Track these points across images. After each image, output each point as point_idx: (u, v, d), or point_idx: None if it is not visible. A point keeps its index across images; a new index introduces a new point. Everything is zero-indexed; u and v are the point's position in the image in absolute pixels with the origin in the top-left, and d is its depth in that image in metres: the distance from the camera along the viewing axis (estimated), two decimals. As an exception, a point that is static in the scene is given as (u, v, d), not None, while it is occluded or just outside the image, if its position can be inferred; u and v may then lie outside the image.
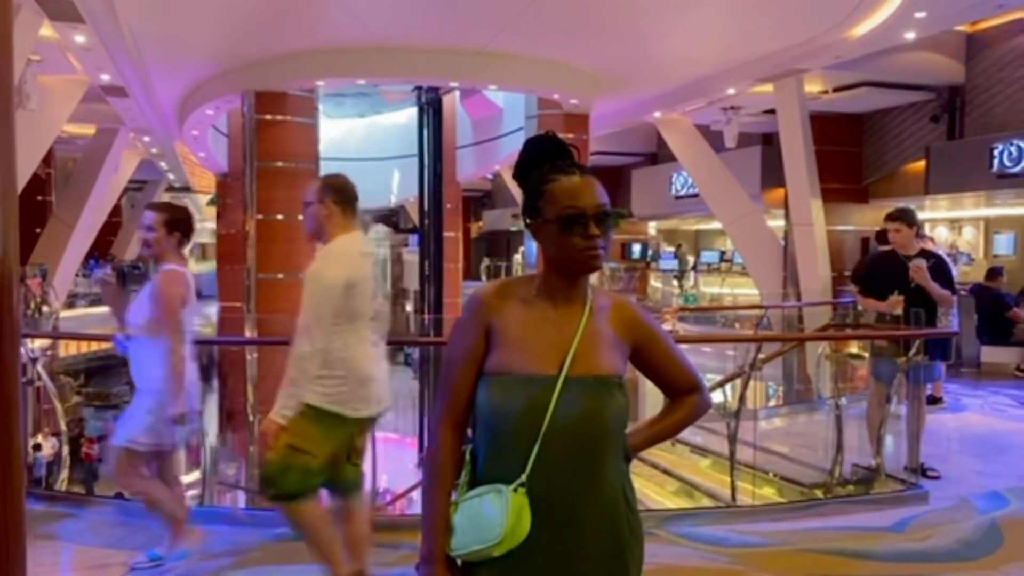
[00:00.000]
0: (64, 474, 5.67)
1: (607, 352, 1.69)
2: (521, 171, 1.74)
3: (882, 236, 7.07)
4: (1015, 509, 4.75)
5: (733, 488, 5.11)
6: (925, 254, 5.53)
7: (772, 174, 13.85)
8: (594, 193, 1.66)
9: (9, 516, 1.67)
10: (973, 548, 4.14)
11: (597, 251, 1.64)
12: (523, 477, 1.59)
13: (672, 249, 21.44)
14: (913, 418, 5.40)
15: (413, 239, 25.92)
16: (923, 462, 5.36)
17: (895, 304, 5.36)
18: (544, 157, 1.72)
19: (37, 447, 9.17)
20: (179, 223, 3.83)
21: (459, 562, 1.67)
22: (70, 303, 16.51)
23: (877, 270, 5.75)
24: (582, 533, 1.63)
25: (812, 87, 11.86)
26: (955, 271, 7.56)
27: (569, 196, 1.65)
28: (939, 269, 5.44)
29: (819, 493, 5.37)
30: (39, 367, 5.47)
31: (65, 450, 5.89)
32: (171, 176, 21.64)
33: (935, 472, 5.39)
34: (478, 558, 1.62)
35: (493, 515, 1.58)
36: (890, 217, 5.61)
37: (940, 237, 14.36)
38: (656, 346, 1.81)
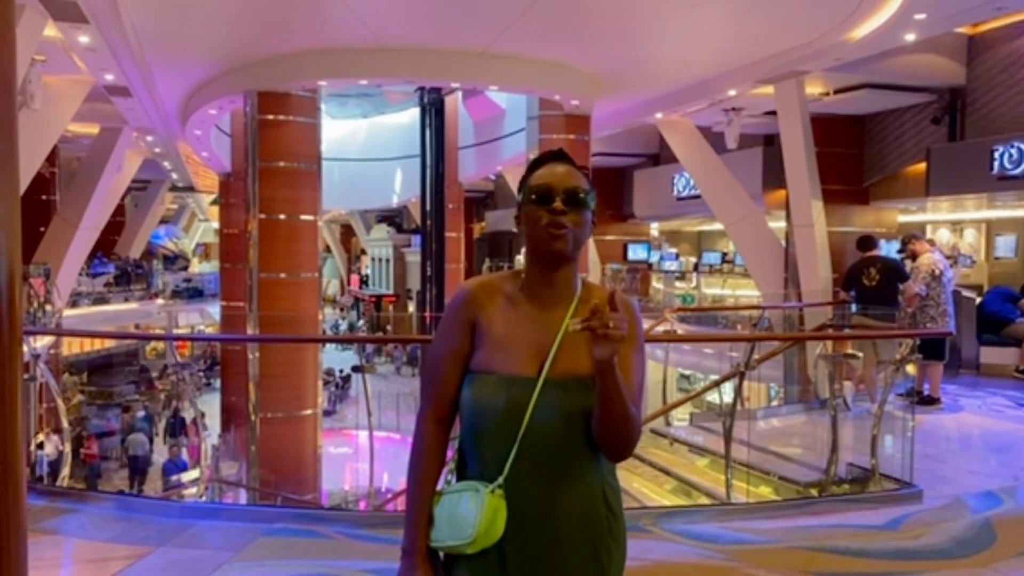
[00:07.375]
0: (66, 471, 5.69)
1: (588, 352, 1.57)
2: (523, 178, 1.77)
3: (862, 242, 8.18)
4: (1008, 508, 4.77)
5: (728, 486, 5.14)
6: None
7: (773, 175, 13.87)
8: (569, 176, 1.67)
9: (10, 511, 1.70)
10: (966, 546, 4.15)
11: (562, 228, 1.62)
12: (500, 479, 1.60)
13: (674, 250, 21.47)
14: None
15: (415, 239, 26.05)
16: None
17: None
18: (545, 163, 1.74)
19: (40, 445, 9.23)
20: None
21: (441, 554, 1.69)
22: (73, 302, 16.58)
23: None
24: (559, 534, 1.62)
25: (813, 89, 11.88)
26: (951, 272, 7.64)
27: (541, 177, 1.68)
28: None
29: (814, 492, 5.39)
30: (42, 364, 5.49)
31: (67, 447, 5.92)
32: (174, 175, 21.72)
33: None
34: (454, 552, 1.65)
35: (468, 514, 1.59)
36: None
37: (942, 239, 14.34)
38: (624, 355, 1.65)
